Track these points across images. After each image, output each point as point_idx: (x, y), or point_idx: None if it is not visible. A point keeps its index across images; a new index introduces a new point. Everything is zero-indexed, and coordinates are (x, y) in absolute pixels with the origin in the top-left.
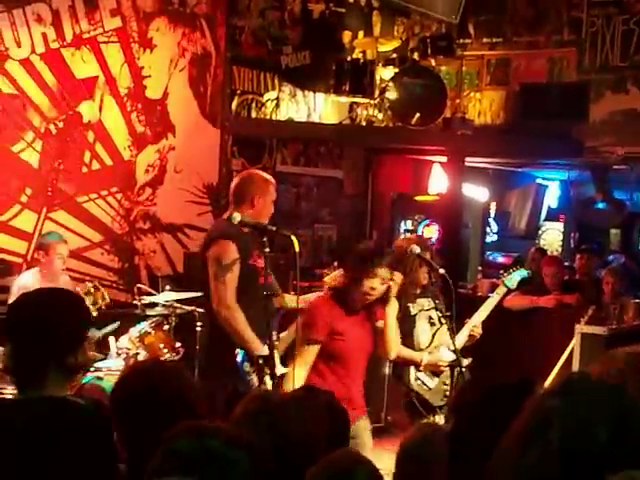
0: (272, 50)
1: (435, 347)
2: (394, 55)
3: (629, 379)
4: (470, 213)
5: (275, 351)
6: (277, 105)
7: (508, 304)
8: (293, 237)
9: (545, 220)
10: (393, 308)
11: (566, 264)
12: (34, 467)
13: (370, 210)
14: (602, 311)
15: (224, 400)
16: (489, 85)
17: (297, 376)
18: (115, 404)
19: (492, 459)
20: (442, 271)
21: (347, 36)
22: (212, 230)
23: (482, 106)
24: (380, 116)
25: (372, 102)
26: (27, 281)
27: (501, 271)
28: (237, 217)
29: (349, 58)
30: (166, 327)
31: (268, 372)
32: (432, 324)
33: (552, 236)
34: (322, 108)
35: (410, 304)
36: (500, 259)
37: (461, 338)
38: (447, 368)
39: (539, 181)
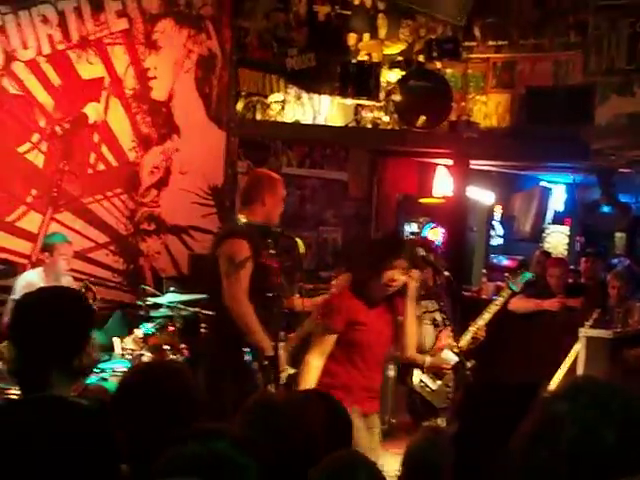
0: (277, 52)
1: (439, 349)
2: (400, 58)
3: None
4: (475, 216)
5: (281, 352)
6: (282, 107)
7: (512, 307)
8: (298, 239)
9: (550, 223)
10: (413, 304)
11: (571, 267)
12: (36, 466)
13: (375, 212)
14: (607, 314)
15: (232, 400)
16: (495, 88)
17: (313, 365)
18: (118, 405)
19: (500, 461)
20: (446, 273)
21: (353, 38)
22: (223, 229)
23: (487, 109)
24: (385, 119)
25: (377, 105)
26: (32, 278)
27: (506, 274)
28: (242, 219)
29: (354, 60)
30: (171, 328)
31: (273, 373)
32: (436, 325)
33: (557, 239)
34: (327, 110)
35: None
36: (505, 262)
37: (465, 340)
38: (450, 370)
39: (544, 184)
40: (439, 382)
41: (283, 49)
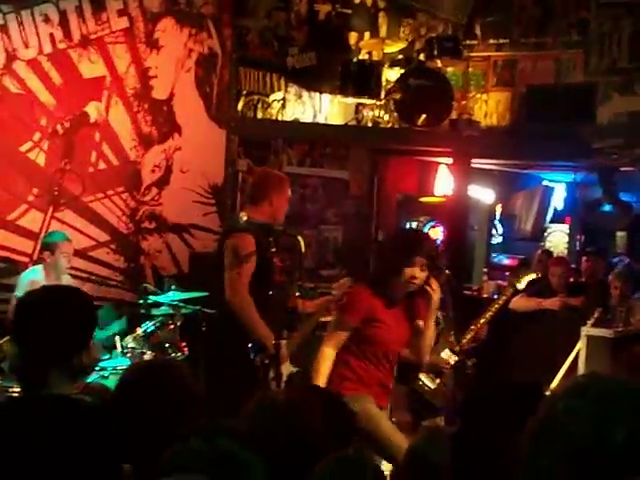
0: (278, 51)
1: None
2: (400, 56)
3: None
4: (476, 215)
5: (283, 350)
6: (283, 106)
7: (514, 306)
8: (299, 237)
9: (551, 222)
10: (434, 313)
11: (572, 266)
12: (37, 464)
13: (376, 211)
14: (608, 313)
15: (234, 397)
16: (495, 86)
17: (327, 355)
18: (118, 403)
19: (504, 459)
20: (447, 272)
21: (353, 37)
22: (228, 225)
23: (488, 107)
24: (386, 117)
25: (378, 103)
26: (35, 276)
27: (507, 273)
28: (243, 217)
29: (355, 59)
30: (171, 326)
31: (273, 370)
32: (437, 324)
33: (558, 238)
34: (328, 109)
35: None
36: (506, 261)
37: (466, 339)
38: (450, 369)
39: (545, 183)
40: (438, 381)
41: (284, 48)
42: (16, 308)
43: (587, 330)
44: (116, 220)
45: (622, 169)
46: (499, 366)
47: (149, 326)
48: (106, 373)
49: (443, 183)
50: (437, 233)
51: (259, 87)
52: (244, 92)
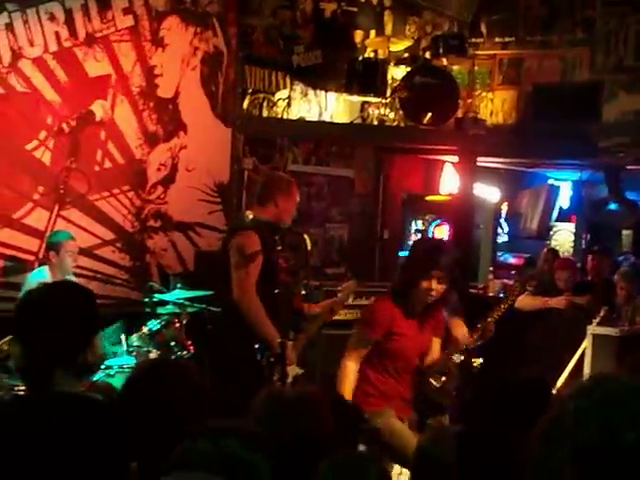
0: (284, 49)
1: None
2: (406, 54)
3: None
4: (481, 213)
5: (289, 350)
6: (289, 104)
7: (519, 305)
8: (305, 235)
9: (557, 221)
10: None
11: (578, 265)
12: (47, 461)
13: (381, 210)
14: (614, 312)
15: (240, 397)
16: (501, 85)
17: (350, 370)
18: (125, 401)
19: (514, 459)
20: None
21: (359, 35)
22: (234, 224)
23: (494, 106)
24: (392, 115)
25: (384, 101)
26: (42, 276)
27: (513, 272)
28: (249, 215)
29: (361, 57)
30: (177, 325)
31: (278, 370)
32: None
33: (563, 237)
34: (334, 107)
35: None
36: (511, 260)
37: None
38: (455, 368)
39: (551, 181)
40: (443, 379)
41: (289, 46)
42: (17, 307)
43: (593, 329)
44: (122, 218)
45: (628, 167)
46: (505, 365)
47: (155, 324)
48: (112, 372)
49: (449, 181)
50: (443, 232)
51: (265, 85)
52: (249, 90)
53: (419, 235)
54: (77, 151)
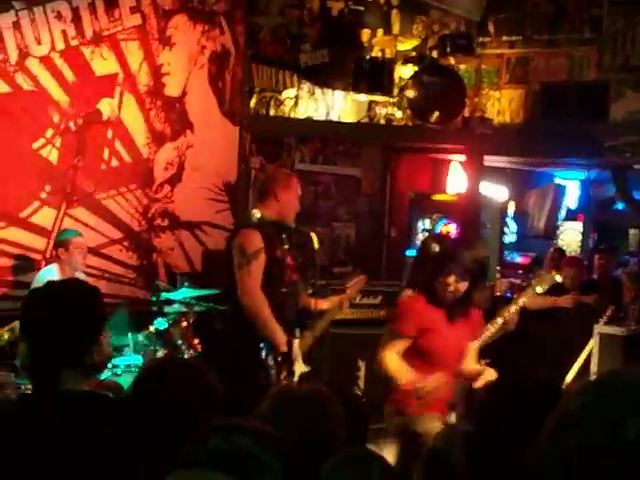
0: (291, 48)
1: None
2: (413, 53)
3: None
4: (488, 213)
5: (296, 348)
6: (296, 103)
7: (526, 304)
8: (312, 234)
9: (564, 220)
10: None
11: (585, 263)
12: (54, 459)
13: (388, 209)
14: (621, 311)
15: (246, 394)
16: (508, 84)
17: (389, 357)
18: (134, 399)
19: (525, 459)
20: None
21: (366, 34)
22: (238, 222)
23: (501, 105)
24: (399, 114)
25: (391, 100)
26: (52, 275)
27: (519, 271)
28: (256, 214)
29: (368, 56)
30: (184, 324)
31: (286, 368)
32: None
33: (570, 236)
34: (341, 106)
35: None
36: (518, 259)
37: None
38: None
39: (558, 181)
40: None
41: (296, 45)
42: (23, 305)
43: (600, 328)
44: (129, 217)
45: (635, 167)
46: (511, 364)
47: (162, 323)
48: (119, 371)
49: (456, 181)
50: (450, 231)
51: (272, 84)
52: (257, 89)
53: (426, 234)
54: (84, 150)
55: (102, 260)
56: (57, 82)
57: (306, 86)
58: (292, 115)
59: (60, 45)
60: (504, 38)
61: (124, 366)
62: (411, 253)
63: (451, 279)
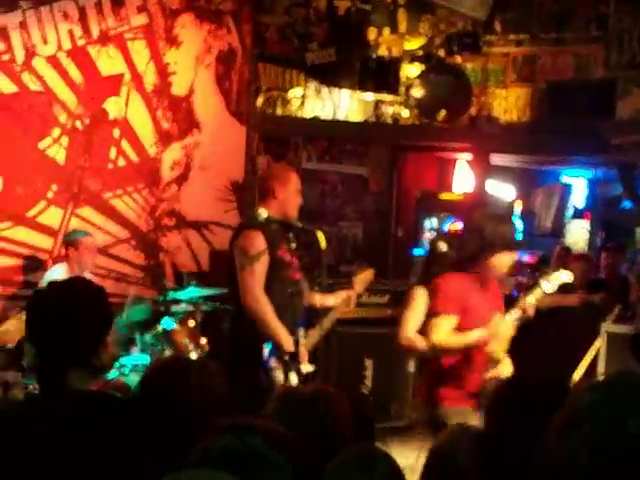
0: (298, 47)
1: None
2: (420, 52)
3: None
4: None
5: (302, 348)
6: (302, 102)
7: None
8: (319, 232)
9: (571, 218)
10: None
11: (592, 259)
12: (62, 459)
13: (395, 208)
14: (629, 310)
15: (248, 396)
16: (515, 82)
17: (442, 339)
18: (141, 398)
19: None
20: None
21: (373, 33)
22: (241, 222)
23: (508, 103)
24: (405, 113)
25: (397, 99)
26: (60, 275)
27: (528, 270)
28: (263, 213)
29: (375, 55)
30: (191, 323)
31: (294, 369)
32: None
33: (578, 234)
34: (347, 105)
35: None
36: (525, 257)
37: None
38: None
39: (565, 179)
40: None
41: (303, 44)
42: (28, 306)
43: (607, 326)
44: (135, 217)
45: None
46: (518, 363)
47: (169, 323)
48: (126, 370)
49: (462, 179)
50: (457, 229)
51: (278, 83)
52: (263, 88)
53: (433, 233)
54: (91, 149)
55: (109, 260)
56: (64, 82)
57: (313, 85)
58: (299, 114)
59: (67, 45)
60: (511, 37)
61: (131, 365)
62: (418, 252)
63: (496, 258)
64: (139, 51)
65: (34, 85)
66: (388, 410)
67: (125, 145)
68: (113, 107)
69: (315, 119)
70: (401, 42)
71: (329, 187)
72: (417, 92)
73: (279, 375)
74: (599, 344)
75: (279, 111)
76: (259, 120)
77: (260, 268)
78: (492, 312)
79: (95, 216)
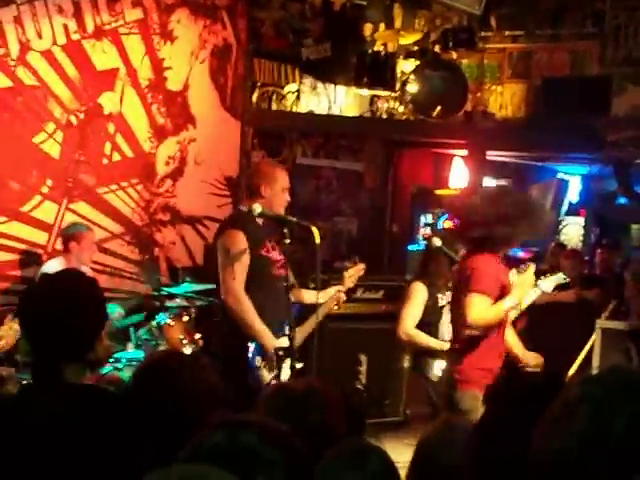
0: (293, 42)
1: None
2: (415, 48)
3: None
4: None
5: (286, 345)
6: (298, 97)
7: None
8: (314, 228)
9: (566, 215)
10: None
11: (586, 258)
12: (55, 452)
13: (390, 203)
14: (623, 306)
15: (235, 395)
16: (511, 78)
17: (483, 311)
18: (132, 395)
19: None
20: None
21: (368, 29)
22: (225, 219)
23: (503, 99)
24: (401, 109)
25: (393, 95)
26: (54, 270)
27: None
28: (258, 208)
29: (370, 51)
30: (186, 318)
31: (289, 363)
32: None
33: (573, 231)
34: (343, 101)
35: (440, 295)
36: (520, 253)
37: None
38: None
39: (560, 176)
40: None
41: (298, 39)
42: (20, 301)
43: (602, 323)
44: (130, 212)
45: (638, 161)
46: (514, 359)
47: (163, 318)
48: (120, 365)
49: (458, 175)
50: (451, 226)
51: (274, 78)
52: (259, 84)
53: (428, 229)
54: (85, 144)
55: (104, 255)
56: (58, 76)
57: (308, 80)
58: (294, 109)
59: (61, 39)
60: (506, 33)
61: (126, 360)
62: (413, 248)
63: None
64: (134, 46)
65: (29, 80)
66: (382, 406)
67: (120, 140)
68: (108, 102)
69: (310, 114)
70: (396, 37)
71: (324, 182)
72: (412, 88)
73: (264, 374)
74: (594, 340)
75: (274, 106)
76: (254, 115)
77: (241, 267)
78: None
79: (90, 211)
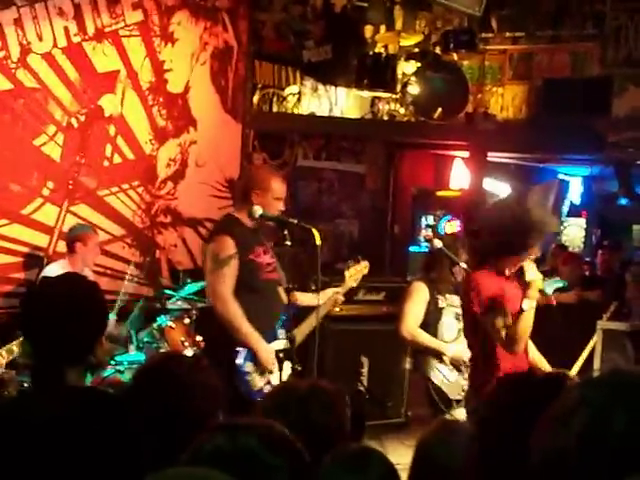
0: (294, 44)
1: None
2: (416, 49)
3: None
4: None
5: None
6: (299, 99)
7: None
8: (314, 230)
9: (567, 216)
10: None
11: (587, 260)
12: (55, 455)
13: (391, 205)
14: (625, 307)
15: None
16: (511, 80)
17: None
18: (133, 398)
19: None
20: (464, 266)
21: (369, 30)
22: (214, 225)
23: (504, 101)
24: (402, 111)
25: (394, 97)
26: (56, 273)
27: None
28: (258, 210)
29: (371, 52)
30: (187, 321)
31: (289, 365)
32: (459, 320)
33: (574, 232)
34: (344, 102)
35: (440, 296)
36: None
37: None
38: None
39: (561, 177)
40: (456, 374)
41: (299, 41)
42: (21, 304)
43: (603, 324)
44: (131, 214)
45: (638, 162)
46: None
47: (164, 320)
48: (122, 367)
49: (459, 177)
50: (453, 227)
51: (275, 81)
52: (259, 86)
53: (429, 231)
54: (86, 146)
55: (105, 257)
56: (59, 79)
57: (309, 82)
58: (295, 111)
59: (62, 41)
60: (507, 34)
61: (127, 363)
62: (414, 249)
63: (534, 250)
64: (135, 48)
65: (29, 82)
66: (384, 407)
67: (121, 142)
68: (108, 104)
69: (311, 116)
70: (397, 39)
71: (325, 184)
72: (413, 89)
73: (255, 379)
74: (595, 341)
75: (275, 108)
76: (255, 117)
77: (229, 272)
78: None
79: (90, 213)
